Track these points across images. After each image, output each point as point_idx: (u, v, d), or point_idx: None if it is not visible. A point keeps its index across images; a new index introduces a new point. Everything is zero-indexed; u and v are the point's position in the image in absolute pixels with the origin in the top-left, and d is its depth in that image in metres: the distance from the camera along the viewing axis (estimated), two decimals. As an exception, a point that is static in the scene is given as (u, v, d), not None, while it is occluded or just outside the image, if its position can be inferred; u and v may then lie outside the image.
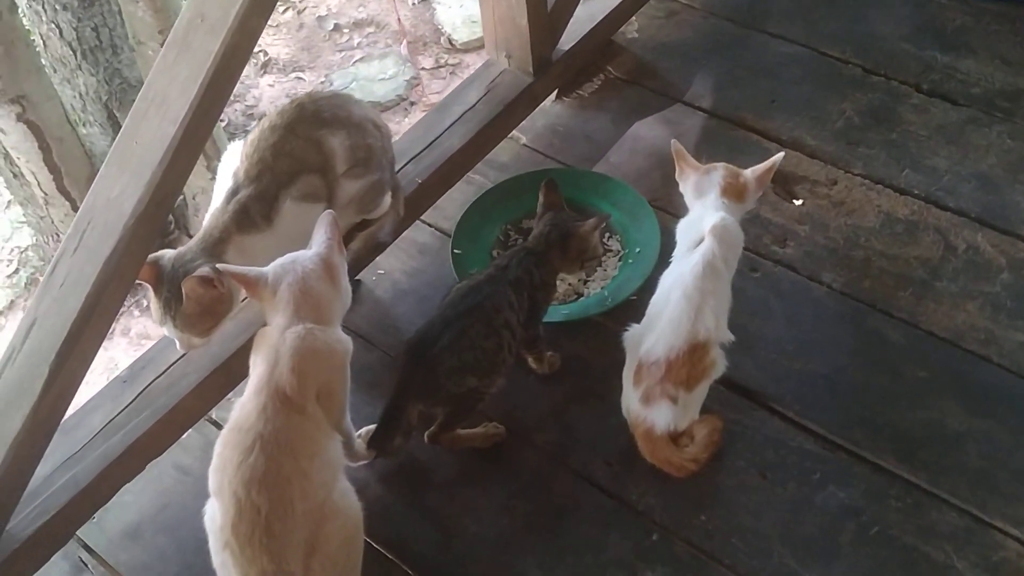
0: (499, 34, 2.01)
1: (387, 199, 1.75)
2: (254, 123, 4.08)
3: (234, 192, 1.57)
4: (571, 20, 2.10)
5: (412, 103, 4.14)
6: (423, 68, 4.37)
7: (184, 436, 1.73)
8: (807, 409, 1.67)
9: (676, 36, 2.37)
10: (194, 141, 1.38)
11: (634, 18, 2.40)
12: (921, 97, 2.14)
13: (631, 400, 1.59)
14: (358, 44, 4.28)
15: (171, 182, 1.36)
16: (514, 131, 2.16)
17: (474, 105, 2.00)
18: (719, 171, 1.65)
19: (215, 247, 1.54)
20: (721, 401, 1.67)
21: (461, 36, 4.04)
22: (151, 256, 1.50)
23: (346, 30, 4.33)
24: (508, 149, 2.16)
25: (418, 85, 4.03)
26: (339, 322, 1.48)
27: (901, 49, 2.24)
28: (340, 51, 4.37)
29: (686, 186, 1.67)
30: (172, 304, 1.51)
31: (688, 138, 2.13)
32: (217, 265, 1.47)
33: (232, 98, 4.26)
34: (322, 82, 4.06)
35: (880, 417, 1.65)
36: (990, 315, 1.75)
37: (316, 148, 1.60)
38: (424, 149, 1.94)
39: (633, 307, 1.73)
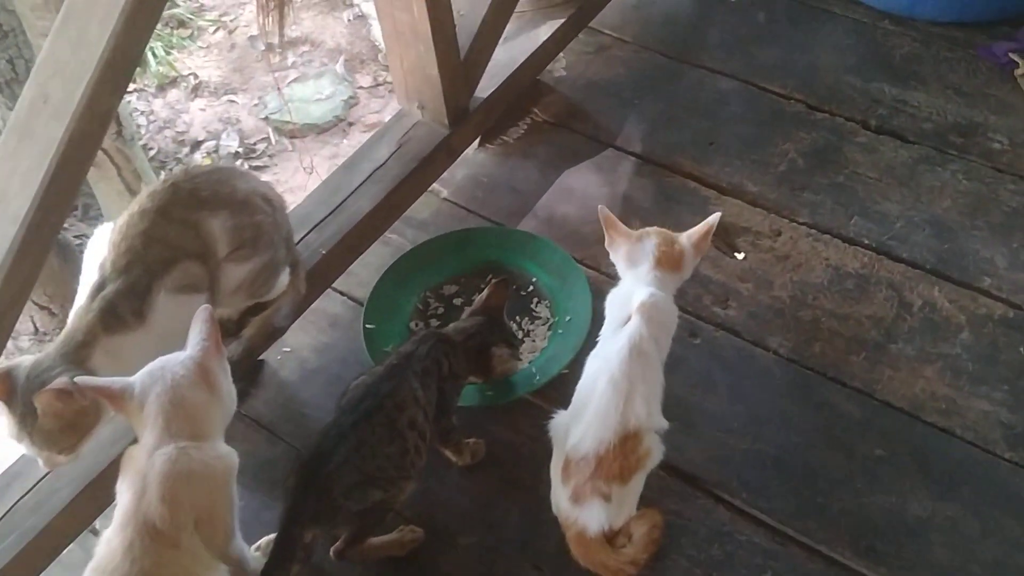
0: (409, 84, 1.84)
1: (283, 278, 1.57)
2: (186, 150, 3.90)
3: (100, 287, 1.37)
4: (489, 64, 1.92)
5: (351, 124, 3.96)
6: (361, 87, 4.19)
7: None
8: (755, 496, 1.51)
9: (606, 73, 2.21)
10: (38, 244, 1.19)
11: (561, 54, 2.23)
12: (869, 135, 1.99)
13: (560, 498, 1.42)
14: (292, 63, 4.09)
15: (10, 294, 1.17)
16: (434, 183, 1.99)
17: (385, 162, 1.82)
18: (652, 239, 1.49)
19: (78, 352, 1.34)
20: (661, 489, 1.51)
21: (400, 52, 3.86)
22: (2, 367, 1.30)
23: (279, 49, 4.14)
24: (427, 204, 1.98)
25: (356, 105, 3.86)
26: (221, 434, 1.29)
27: (846, 82, 2.10)
28: (274, 71, 4.18)
29: (617, 255, 1.51)
30: (28, 420, 1.31)
31: (620, 187, 1.97)
32: (75, 377, 1.28)
33: (162, 124, 4.07)
34: (256, 104, 3.87)
35: (835, 503, 1.49)
36: (951, 381, 1.60)
37: (194, 232, 1.41)
38: (329, 214, 1.76)
39: (565, 381, 1.56)
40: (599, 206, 1.50)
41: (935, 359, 1.63)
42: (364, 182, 1.80)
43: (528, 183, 2.01)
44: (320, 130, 3.73)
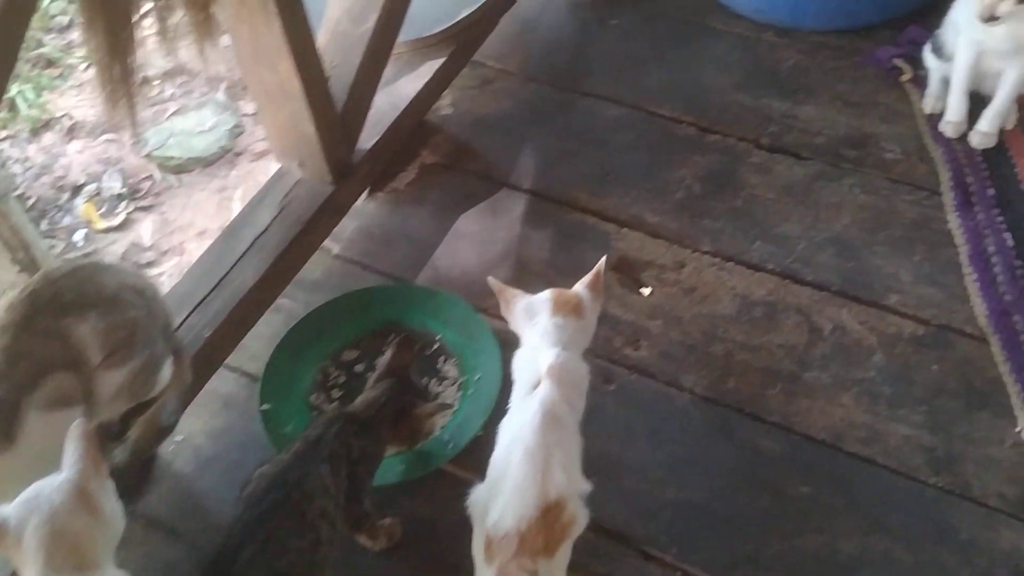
0: (286, 143, 1.73)
1: (165, 372, 1.45)
2: (66, 196, 3.69)
3: (-40, 409, 1.24)
4: (370, 113, 1.83)
5: (238, 154, 3.80)
6: (246, 114, 4.03)
7: None
8: (686, 550, 1.46)
9: (494, 107, 2.14)
10: None
11: (447, 91, 2.15)
12: (762, 154, 1.97)
13: (485, 580, 1.34)
14: (171, 96, 3.90)
15: None
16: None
17: (267, 228, 1.71)
18: (547, 292, 1.42)
19: (-61, 482, 1.21)
20: (588, 551, 1.43)
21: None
22: None
23: (156, 82, 3.94)
24: (318, 263, 1.87)
25: (242, 133, 3.69)
26: (110, 559, 1.17)
27: (735, 101, 2.07)
28: (152, 106, 3.98)
29: (515, 317, 1.43)
30: None
31: (517, 228, 1.90)
32: (-66, 517, 1.14)
33: (39, 170, 3.84)
34: (135, 142, 3.68)
35: (767, 548, 1.45)
36: (868, 407, 1.58)
37: (61, 342, 1.28)
38: (212, 291, 1.64)
39: (482, 444, 1.48)
40: (488, 278, 1.42)
41: (851, 385, 1.60)
42: (247, 252, 1.68)
43: (423, 231, 1.93)
44: (207, 163, 3.55)
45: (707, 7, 2.27)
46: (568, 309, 1.39)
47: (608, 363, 1.68)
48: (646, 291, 1.78)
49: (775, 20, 2.18)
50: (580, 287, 1.43)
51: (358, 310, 1.76)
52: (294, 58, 1.52)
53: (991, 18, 1.63)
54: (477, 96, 2.17)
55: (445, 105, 2.15)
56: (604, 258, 1.45)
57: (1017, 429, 1.51)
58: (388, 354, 1.54)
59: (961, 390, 1.57)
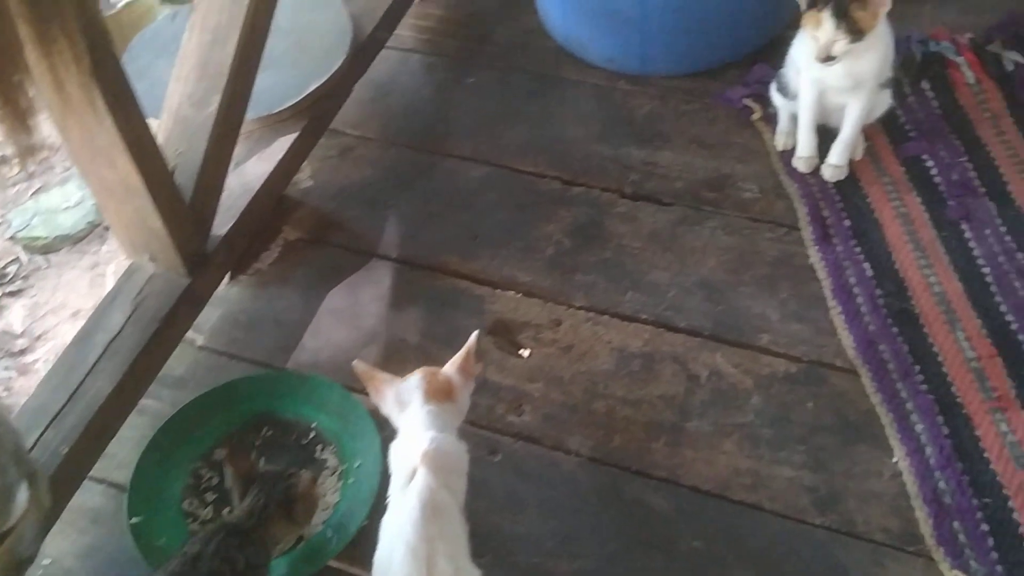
0: (134, 239, 1.65)
1: (20, 499, 1.34)
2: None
3: None
4: (223, 196, 1.76)
5: (107, 227, 3.63)
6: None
7: None
8: (584, 621, 1.43)
9: (356, 176, 2.10)
10: None
11: (305, 163, 2.10)
12: (627, 203, 1.98)
13: None
14: (32, 173, 3.72)
15: None
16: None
17: (121, 330, 1.62)
18: (417, 375, 1.39)
19: None
20: (486, 635, 1.39)
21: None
22: None
23: (15, 160, 3.75)
24: (182, 358, 1.79)
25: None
26: None
27: (596, 151, 2.08)
28: (13, 185, 3.79)
29: (386, 403, 1.39)
30: None
31: (388, 298, 1.86)
32: None
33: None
34: (-1, 224, 3.48)
35: (664, 610, 1.43)
36: (750, 451, 1.58)
37: None
38: (66, 403, 1.54)
39: (368, 535, 1.41)
40: (354, 362, 1.38)
41: (731, 431, 1.61)
42: (100, 358, 1.58)
43: (291, 312, 1.86)
44: (75, 240, 3.38)
45: (560, 59, 2.29)
46: (440, 395, 1.36)
47: (492, 433, 1.65)
48: (525, 353, 1.76)
49: (626, 69, 2.21)
50: (450, 368, 1.40)
51: (226, 405, 1.68)
52: (132, 153, 1.45)
53: (828, 58, 1.68)
54: (338, 166, 2.12)
55: (305, 178, 2.09)
56: (475, 335, 1.42)
57: (893, 460, 1.54)
58: (228, 470, 1.47)
59: (837, 425, 1.59)
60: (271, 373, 1.76)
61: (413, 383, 1.37)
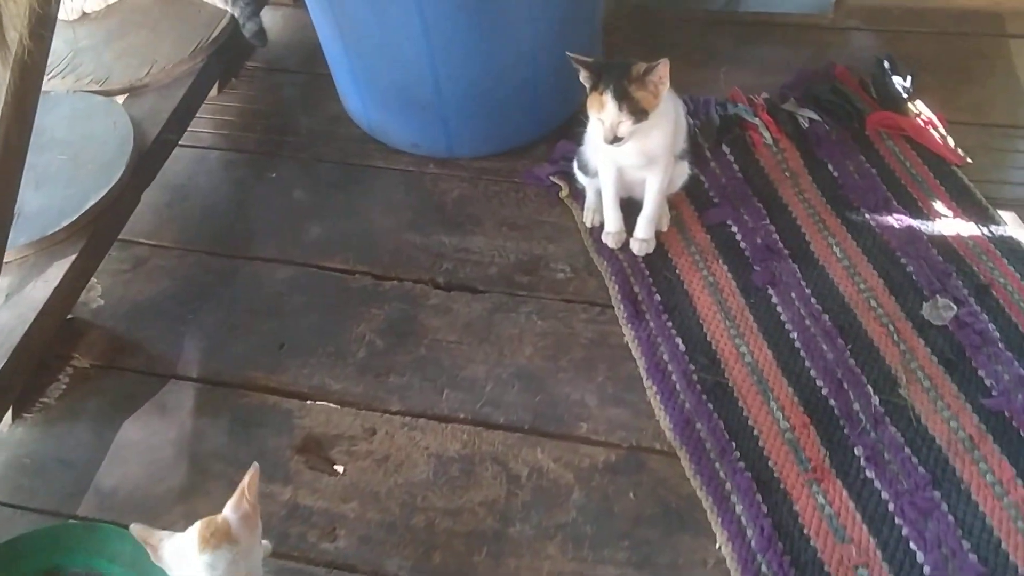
0: None
1: None
2: None
3: None
4: (-11, 334, 1.61)
5: None
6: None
7: None
8: None
9: (152, 290, 1.96)
10: None
11: (95, 280, 1.96)
12: (440, 294, 1.91)
13: None
14: None
15: None
16: (-37, 485, 1.63)
17: None
18: (193, 527, 1.27)
19: None
20: None
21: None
22: None
23: None
24: (-41, 516, 1.62)
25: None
26: None
27: (407, 241, 2.01)
28: None
29: (166, 565, 1.26)
30: None
31: (188, 426, 1.73)
32: None
33: None
34: None
35: None
36: (574, 553, 1.52)
37: None
38: None
39: None
40: (132, 526, 1.25)
41: (554, 532, 1.55)
42: None
43: (82, 450, 1.71)
44: None
45: (367, 146, 2.22)
46: (216, 540, 1.24)
47: (304, 564, 1.53)
48: (340, 469, 1.66)
49: (433, 153, 2.16)
50: (228, 509, 1.29)
51: (9, 564, 1.52)
52: None
53: (615, 139, 1.66)
54: (131, 280, 1.98)
55: (95, 297, 1.95)
56: (253, 469, 1.30)
57: (716, 546, 1.50)
58: None
59: (659, 515, 1.55)
60: (57, 526, 1.60)
61: (190, 535, 1.25)
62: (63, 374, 1.83)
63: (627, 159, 1.77)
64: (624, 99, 1.62)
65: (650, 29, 2.43)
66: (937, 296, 1.76)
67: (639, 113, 1.64)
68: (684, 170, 1.90)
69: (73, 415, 1.77)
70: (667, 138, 1.75)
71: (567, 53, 1.66)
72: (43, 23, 1.59)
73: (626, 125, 1.64)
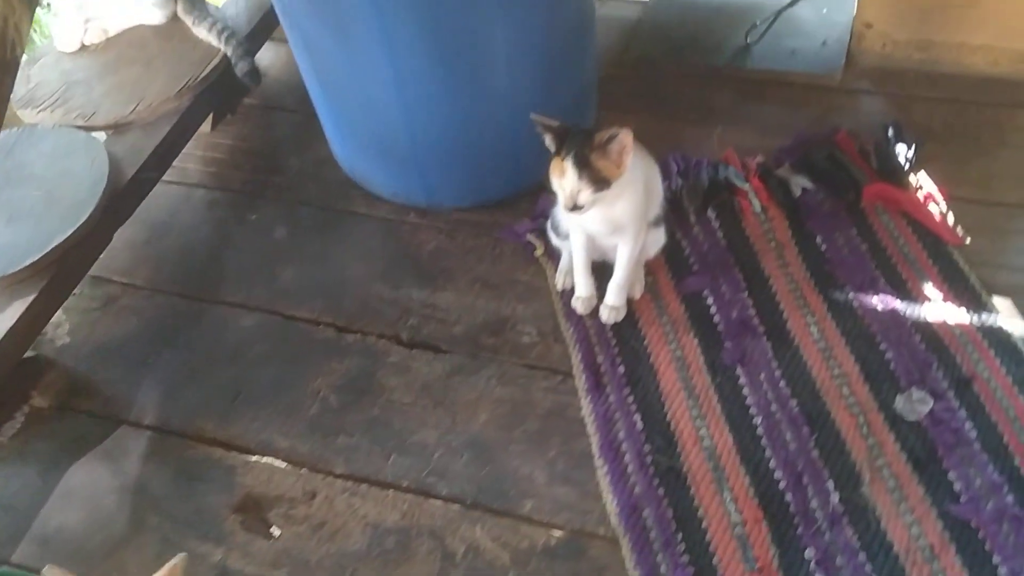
0: None
1: None
2: None
3: None
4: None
5: None
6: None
7: None
8: None
9: (117, 331, 1.95)
10: None
11: (64, 316, 1.95)
12: (402, 351, 1.86)
13: None
14: None
15: None
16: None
17: None
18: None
19: None
20: None
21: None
22: None
23: None
24: None
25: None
26: None
27: (375, 293, 1.97)
28: None
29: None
30: None
31: (132, 475, 1.71)
32: None
33: None
34: None
35: None
36: (500, 642, 1.46)
37: None
38: None
39: None
40: (44, 568, 1.21)
41: (483, 617, 1.49)
42: None
43: (26, 495, 1.70)
44: None
45: (350, 191, 2.19)
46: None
47: (225, 631, 1.50)
48: (276, 532, 1.62)
49: (413, 202, 2.12)
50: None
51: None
52: None
53: (574, 208, 1.60)
54: (99, 319, 1.98)
55: (61, 335, 1.95)
56: (180, 558, 1.24)
57: (647, 646, 1.42)
58: None
59: (593, 607, 1.48)
60: (-15, 572, 1.59)
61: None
62: (20, 412, 1.83)
63: (593, 226, 1.71)
64: (585, 167, 1.56)
65: (650, 82, 2.37)
66: (913, 388, 1.65)
67: (600, 182, 1.57)
68: (660, 237, 1.83)
69: (22, 458, 1.76)
70: (635, 206, 1.68)
71: (532, 115, 1.60)
72: (4, 68, 1.60)
73: (586, 194, 1.58)
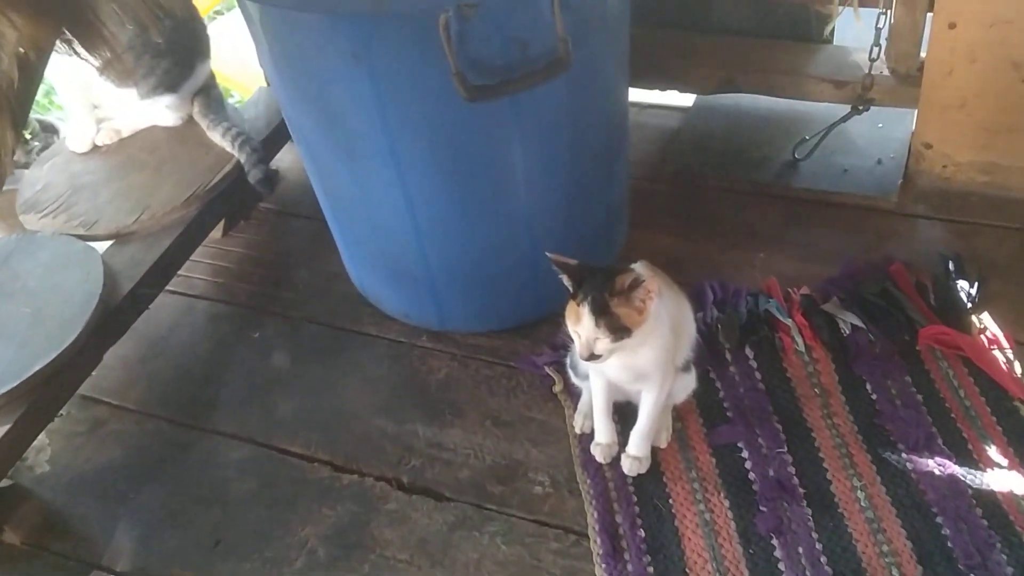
0: None
1: None
2: None
3: None
4: None
5: None
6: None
7: None
8: None
9: (99, 459, 1.82)
10: None
11: (48, 441, 1.83)
12: (400, 497, 1.69)
13: None
14: None
15: None
16: None
17: None
18: None
19: None
20: None
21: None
22: None
23: None
24: None
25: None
26: None
27: (377, 428, 1.81)
28: None
29: None
30: None
31: (98, 633, 1.55)
32: None
33: None
34: None
35: None
36: None
37: None
38: None
39: None
40: None
41: None
42: None
43: (-19, 647, 1.55)
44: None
45: (360, 310, 2.04)
46: None
47: None
48: None
49: (425, 324, 1.97)
50: None
51: None
52: None
53: (591, 357, 1.43)
54: (83, 445, 1.85)
55: (42, 462, 1.82)
56: None
57: None
58: None
59: None
60: None
61: None
62: (-13, 550, 1.69)
63: (613, 373, 1.54)
64: (603, 314, 1.39)
65: (688, 198, 2.20)
66: (972, 574, 1.44)
67: (620, 331, 1.40)
68: (690, 381, 1.65)
69: (-17, 601, 1.62)
70: (660, 354, 1.51)
71: (547, 253, 1.45)
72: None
73: (603, 343, 1.41)
